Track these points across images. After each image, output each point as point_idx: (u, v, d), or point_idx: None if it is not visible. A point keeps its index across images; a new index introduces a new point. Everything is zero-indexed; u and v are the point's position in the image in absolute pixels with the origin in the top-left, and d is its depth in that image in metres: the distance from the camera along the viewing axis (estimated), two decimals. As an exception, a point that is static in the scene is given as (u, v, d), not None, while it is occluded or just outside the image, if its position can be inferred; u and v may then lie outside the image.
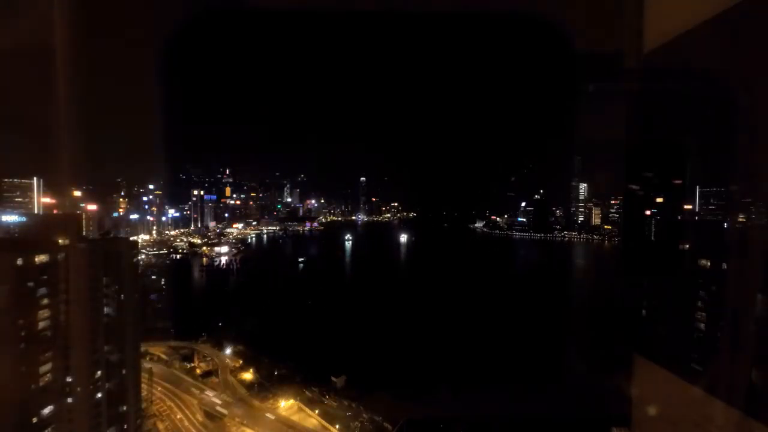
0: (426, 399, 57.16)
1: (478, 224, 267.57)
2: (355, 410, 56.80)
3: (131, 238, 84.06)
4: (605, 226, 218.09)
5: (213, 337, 78.91)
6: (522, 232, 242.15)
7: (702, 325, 36.95)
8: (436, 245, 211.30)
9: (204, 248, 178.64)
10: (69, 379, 35.06)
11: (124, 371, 39.70)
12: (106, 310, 38.59)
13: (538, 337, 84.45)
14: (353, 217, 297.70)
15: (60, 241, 37.05)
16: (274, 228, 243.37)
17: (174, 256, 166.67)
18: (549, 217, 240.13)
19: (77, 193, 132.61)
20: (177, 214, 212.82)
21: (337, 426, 53.34)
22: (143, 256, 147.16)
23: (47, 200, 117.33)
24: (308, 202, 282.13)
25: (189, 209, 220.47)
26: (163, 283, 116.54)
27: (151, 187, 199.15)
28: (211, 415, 54.32)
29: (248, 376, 66.25)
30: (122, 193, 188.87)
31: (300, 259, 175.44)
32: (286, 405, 56.89)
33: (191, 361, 70.34)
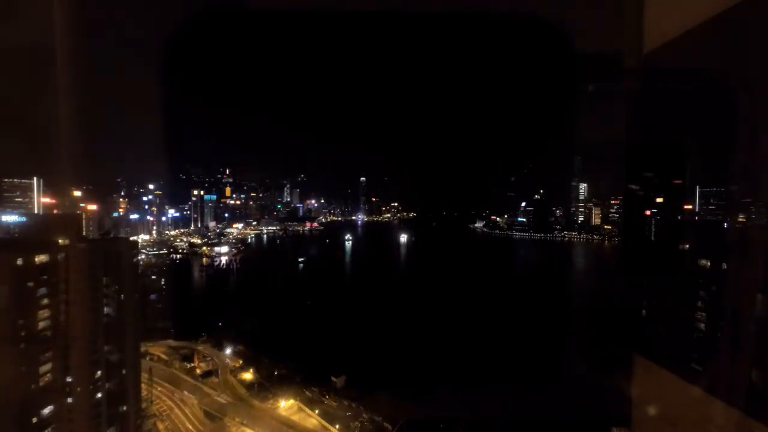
0: (426, 399, 57.16)
1: (478, 224, 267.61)
2: (355, 410, 56.82)
3: (131, 238, 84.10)
4: (605, 226, 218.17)
5: (213, 337, 78.91)
6: (522, 232, 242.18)
7: (702, 325, 36.95)
8: (436, 245, 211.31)
9: (204, 248, 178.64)
10: (69, 379, 35.05)
11: (124, 371, 39.68)
12: (106, 310, 38.57)
13: (539, 337, 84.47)
14: (353, 217, 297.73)
15: (60, 241, 37.04)
16: (274, 228, 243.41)
17: (174, 256, 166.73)
18: (549, 217, 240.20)
19: (77, 193, 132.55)
20: (177, 214, 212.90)
21: (337, 426, 53.34)
22: (143, 256, 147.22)
23: (47, 200, 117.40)
24: (308, 202, 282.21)
25: (189, 209, 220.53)
26: (163, 283, 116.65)
27: (151, 187, 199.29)
28: (211, 415, 54.32)
29: (248, 376, 66.27)
30: (122, 193, 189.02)
31: (300, 259, 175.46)
32: (286, 405, 56.89)
33: (191, 361, 70.35)
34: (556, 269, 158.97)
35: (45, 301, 33.73)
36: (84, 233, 65.59)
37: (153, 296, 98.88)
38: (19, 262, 32.88)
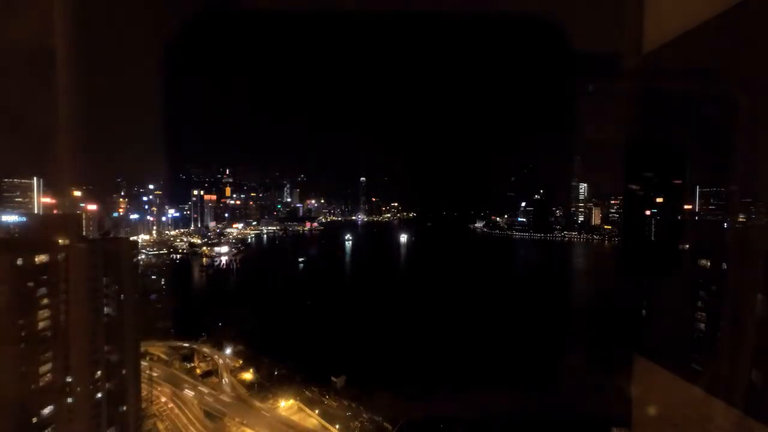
0: (426, 399, 57.16)
1: (478, 224, 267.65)
2: (355, 410, 56.79)
3: (131, 238, 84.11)
4: (605, 226, 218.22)
5: (213, 337, 78.89)
6: (522, 232, 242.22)
7: (702, 325, 36.95)
8: (436, 245, 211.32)
9: (204, 248, 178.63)
10: (69, 379, 35.05)
11: (124, 371, 39.69)
12: (106, 310, 38.58)
13: (539, 337, 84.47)
14: (353, 217, 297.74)
15: (60, 241, 37.05)
16: (274, 228, 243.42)
17: (174, 256, 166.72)
18: (549, 217, 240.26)
19: (77, 193, 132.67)
20: (177, 214, 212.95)
21: (337, 426, 53.33)
22: (143, 256, 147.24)
23: (47, 200, 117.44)
24: (308, 202, 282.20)
25: (189, 209, 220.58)
26: (163, 283, 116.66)
27: (151, 187, 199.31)
28: (211, 415, 54.32)
29: (248, 376, 66.27)
30: (122, 193, 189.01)
31: (300, 259, 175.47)
32: (286, 405, 56.88)
33: (191, 361, 70.36)
34: (556, 269, 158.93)
35: (45, 301, 33.73)
36: (84, 233, 65.63)
37: (153, 296, 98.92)
38: (19, 262, 32.88)
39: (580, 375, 61.37)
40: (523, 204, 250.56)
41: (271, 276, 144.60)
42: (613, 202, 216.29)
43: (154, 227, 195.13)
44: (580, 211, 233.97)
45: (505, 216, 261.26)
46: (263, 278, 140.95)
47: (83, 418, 35.60)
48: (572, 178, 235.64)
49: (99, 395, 37.10)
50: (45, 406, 33.38)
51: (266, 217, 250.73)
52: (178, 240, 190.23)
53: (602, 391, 40.55)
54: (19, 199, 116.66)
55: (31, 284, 33.15)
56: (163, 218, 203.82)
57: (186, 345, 75.39)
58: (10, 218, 65.30)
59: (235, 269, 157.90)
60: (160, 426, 51.82)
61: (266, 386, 62.93)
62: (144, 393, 49.62)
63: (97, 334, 37.22)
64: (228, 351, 74.33)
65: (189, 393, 58.81)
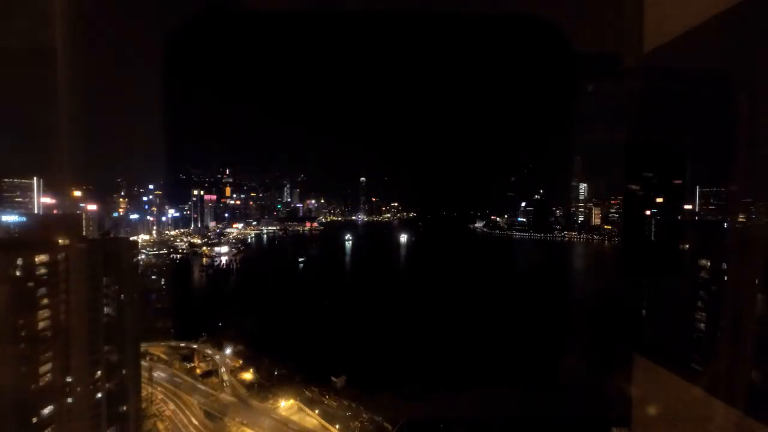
0: (426, 399, 57.15)
1: (479, 224, 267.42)
2: (355, 410, 56.80)
3: (131, 238, 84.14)
4: (605, 226, 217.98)
5: (213, 337, 78.88)
6: (522, 232, 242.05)
7: (702, 325, 36.97)
8: (436, 245, 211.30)
9: (204, 248, 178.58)
10: (69, 379, 35.06)
11: (124, 371, 39.70)
12: (106, 310, 38.59)
13: (539, 337, 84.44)
14: (353, 217, 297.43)
15: (60, 241, 37.07)
16: (274, 228, 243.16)
17: (174, 256, 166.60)
18: (549, 217, 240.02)
19: (77, 193, 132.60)
20: (177, 214, 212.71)
21: (337, 426, 53.34)
22: (143, 256, 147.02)
23: (47, 200, 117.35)
24: (308, 202, 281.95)
25: (189, 209, 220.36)
26: (163, 283, 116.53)
27: (151, 187, 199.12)
28: (211, 415, 54.32)
29: (248, 376, 66.27)
30: (122, 193, 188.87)
31: (300, 259, 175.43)
32: (286, 405, 56.88)
33: (191, 361, 70.36)
34: (556, 269, 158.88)
35: (45, 301, 33.74)
36: (84, 233, 65.61)
37: (153, 296, 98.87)
38: (19, 262, 32.90)
39: (581, 375, 61.39)
40: (523, 204, 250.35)
41: (271, 276, 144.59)
42: (613, 202, 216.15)
43: (154, 227, 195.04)
44: (580, 211, 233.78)
45: (505, 216, 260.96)
46: (263, 278, 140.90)
47: (83, 418, 35.61)
48: (572, 178, 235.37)
49: (99, 395, 37.11)
50: (45, 406, 33.38)
51: (266, 217, 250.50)
52: (178, 240, 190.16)
53: (602, 391, 40.53)
54: (19, 199, 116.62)
55: (31, 284, 33.16)
56: (163, 218, 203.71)
57: (186, 345, 75.41)
58: (10, 218, 65.32)
59: (235, 269, 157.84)
60: (160, 426, 51.82)
61: (266, 386, 62.92)
62: (144, 393, 49.63)
63: (97, 334, 37.22)
64: (228, 351, 74.31)
65: (189, 393, 58.81)
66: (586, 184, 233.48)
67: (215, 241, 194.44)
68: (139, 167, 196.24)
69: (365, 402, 57.60)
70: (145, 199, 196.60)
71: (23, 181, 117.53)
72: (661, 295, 41.96)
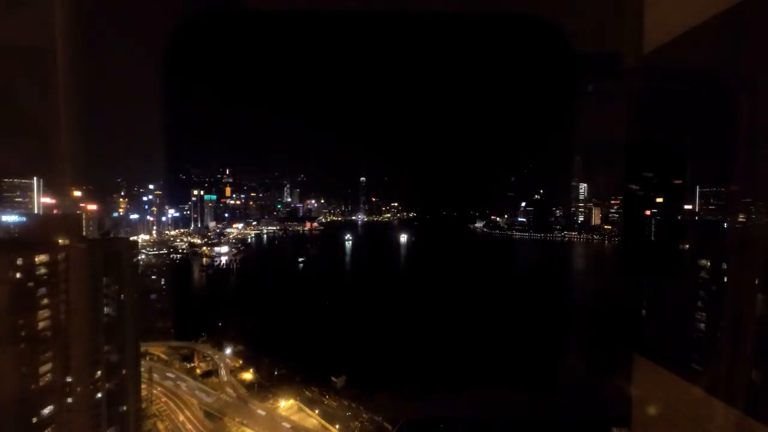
0: (426, 399, 57.14)
1: (478, 224, 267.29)
2: (355, 410, 56.80)
3: (131, 238, 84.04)
4: (605, 226, 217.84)
5: (213, 337, 78.89)
6: (522, 232, 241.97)
7: (702, 325, 36.96)
8: (436, 245, 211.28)
9: (204, 248, 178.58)
10: (69, 379, 35.05)
11: (124, 371, 39.69)
12: (106, 310, 38.58)
13: (539, 337, 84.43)
14: (353, 217, 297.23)
15: (60, 241, 37.05)
16: (274, 228, 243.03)
17: (174, 256, 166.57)
18: (549, 217, 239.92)
19: (77, 193, 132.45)
20: (177, 214, 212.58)
21: (337, 426, 53.33)
22: (143, 256, 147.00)
23: (47, 200, 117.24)
24: (308, 202, 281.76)
25: (189, 209, 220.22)
26: (163, 283, 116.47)
27: (151, 187, 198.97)
28: (211, 415, 54.32)
29: (248, 376, 66.27)
30: (122, 193, 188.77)
31: (300, 259, 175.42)
32: (286, 405, 56.88)
33: (191, 361, 70.35)
34: (556, 269, 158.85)
35: (45, 301, 33.73)
36: (84, 233, 65.64)
37: (153, 296, 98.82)
38: (19, 262, 32.89)
39: (581, 375, 61.38)
40: (523, 204, 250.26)
41: (271, 276, 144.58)
42: (613, 202, 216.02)
43: (154, 227, 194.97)
44: (580, 211, 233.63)
45: (505, 216, 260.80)
46: (263, 278, 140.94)
47: (83, 418, 35.60)
48: (572, 178, 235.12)
49: (99, 395, 37.09)
50: (45, 406, 33.38)
51: (266, 217, 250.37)
52: (178, 240, 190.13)
53: (602, 391, 40.52)
54: (19, 199, 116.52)
55: (31, 284, 33.15)
56: (163, 218, 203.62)
57: (186, 345, 75.41)
58: (10, 218, 65.29)
59: (235, 269, 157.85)
60: (160, 426, 51.82)
61: (266, 386, 62.93)
62: (144, 393, 49.64)
63: (97, 334, 37.21)
64: (228, 351, 74.33)
65: (189, 393, 58.82)
66: (586, 184, 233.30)
67: (215, 241, 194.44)
68: (139, 167, 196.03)
69: (365, 402, 57.60)
70: (145, 199, 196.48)
71: (23, 181, 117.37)
72: (661, 295, 41.94)
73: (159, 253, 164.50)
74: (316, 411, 55.81)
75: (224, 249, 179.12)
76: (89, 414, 36.09)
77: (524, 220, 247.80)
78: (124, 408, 39.63)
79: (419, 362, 70.30)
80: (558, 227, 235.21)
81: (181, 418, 53.87)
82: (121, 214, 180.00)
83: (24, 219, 66.36)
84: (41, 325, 33.32)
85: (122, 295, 39.67)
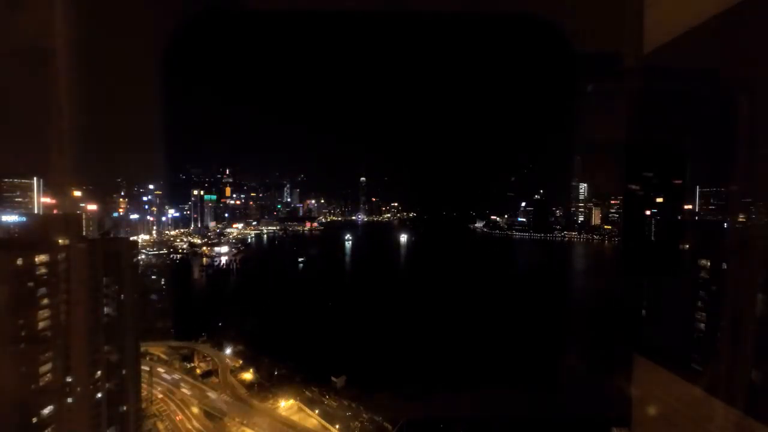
0: (426, 399, 57.14)
1: (478, 224, 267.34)
2: (355, 410, 56.81)
3: (131, 238, 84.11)
4: (605, 226, 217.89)
5: (213, 337, 78.91)
6: (522, 232, 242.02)
7: (702, 325, 36.98)
8: (436, 245, 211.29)
9: (204, 248, 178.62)
10: (69, 379, 35.06)
11: (124, 371, 39.72)
12: (106, 310, 38.60)
13: (539, 337, 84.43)
14: (353, 217, 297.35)
15: (60, 241, 37.06)
16: (274, 228, 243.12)
17: (174, 256, 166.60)
18: (549, 217, 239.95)
19: (77, 193, 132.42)
20: (177, 214, 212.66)
21: (337, 426, 53.34)
22: (143, 256, 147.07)
23: (47, 200, 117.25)
24: (308, 202, 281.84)
25: (189, 209, 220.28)
26: (163, 283, 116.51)
27: (151, 187, 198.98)
28: (211, 415, 54.32)
29: (248, 376, 66.28)
30: (122, 193, 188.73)
31: (300, 259, 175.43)
32: (286, 405, 56.90)
33: (191, 361, 70.37)
34: (556, 269, 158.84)
35: (45, 301, 33.74)
36: (84, 233, 65.63)
37: (153, 296, 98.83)
38: (19, 262, 32.89)
39: (581, 375, 61.38)
40: (523, 204, 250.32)
41: (271, 276, 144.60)
42: (613, 202, 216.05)
43: (154, 227, 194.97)
44: (580, 211, 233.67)
45: (505, 216, 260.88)
46: (263, 278, 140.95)
47: (83, 418, 35.61)
48: (572, 178, 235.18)
49: (99, 395, 37.11)
50: (45, 406, 33.38)
51: (266, 217, 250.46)
52: (178, 240, 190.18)
53: (602, 391, 40.52)
54: (19, 199, 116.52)
55: (31, 284, 33.17)
56: (163, 218, 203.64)
57: (186, 345, 75.42)
58: (10, 218, 65.32)
59: (235, 269, 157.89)
60: (160, 426, 51.85)
61: (266, 386, 62.96)
62: (144, 393, 49.68)
63: (97, 334, 37.23)
64: (228, 351, 74.37)
65: (189, 393, 58.82)
66: (586, 184, 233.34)
67: (215, 241, 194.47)
68: (139, 167, 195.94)
69: (365, 402, 57.62)
70: (145, 199, 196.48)
71: (23, 181, 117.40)
72: (661, 295, 41.97)
73: (159, 253, 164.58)
74: (316, 411, 55.84)
75: (224, 249, 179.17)
76: (89, 414, 36.11)
77: (524, 220, 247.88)
78: (124, 408, 39.65)
79: (419, 362, 70.31)
80: (558, 227, 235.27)
81: (181, 418, 53.89)
82: (121, 214, 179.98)
83: (24, 219, 66.39)
84: (41, 325, 33.33)
85: (122, 295, 39.69)
